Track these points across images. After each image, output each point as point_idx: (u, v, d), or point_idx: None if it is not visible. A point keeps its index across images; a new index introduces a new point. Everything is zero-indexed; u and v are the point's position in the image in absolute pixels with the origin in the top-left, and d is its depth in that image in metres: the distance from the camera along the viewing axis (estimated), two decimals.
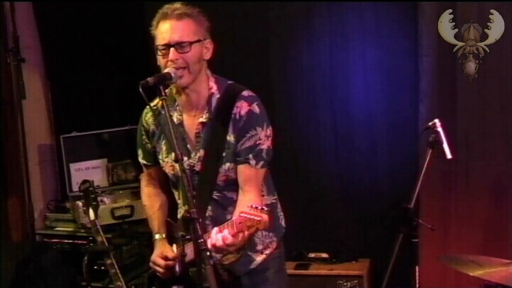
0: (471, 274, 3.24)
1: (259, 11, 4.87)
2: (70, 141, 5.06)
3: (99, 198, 4.27)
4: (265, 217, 2.62)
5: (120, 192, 5.02)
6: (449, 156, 3.26)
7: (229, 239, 2.70)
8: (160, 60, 2.92)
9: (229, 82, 3.06)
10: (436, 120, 3.29)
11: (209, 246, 2.72)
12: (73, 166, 5.05)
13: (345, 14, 4.71)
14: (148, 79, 2.77)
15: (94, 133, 5.12)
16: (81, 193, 4.09)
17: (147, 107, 2.97)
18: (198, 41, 2.91)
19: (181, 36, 2.87)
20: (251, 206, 2.66)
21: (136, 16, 5.10)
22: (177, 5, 2.94)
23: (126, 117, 5.13)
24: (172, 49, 2.87)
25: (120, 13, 5.14)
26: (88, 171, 5.06)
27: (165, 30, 2.88)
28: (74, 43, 5.14)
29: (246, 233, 2.69)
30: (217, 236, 2.74)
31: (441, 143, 3.26)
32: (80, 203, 4.45)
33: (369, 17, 4.65)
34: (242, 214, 2.66)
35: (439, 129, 3.28)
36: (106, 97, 5.26)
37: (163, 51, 2.89)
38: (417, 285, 3.22)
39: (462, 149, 4.17)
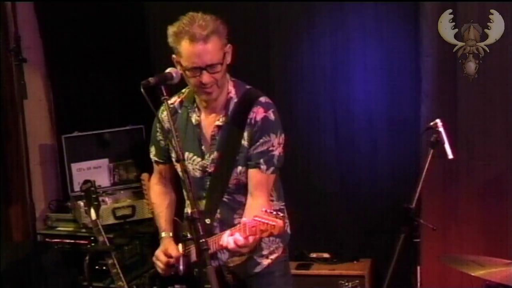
0: (472, 274, 3.25)
1: (259, 10, 4.87)
2: (72, 141, 5.06)
3: (100, 198, 4.27)
4: (280, 222, 2.65)
5: (122, 192, 5.03)
6: (450, 156, 3.26)
7: (241, 241, 2.73)
8: (190, 80, 2.94)
9: (247, 87, 3.10)
10: (438, 120, 3.29)
11: (218, 247, 2.74)
12: (75, 166, 5.05)
13: (346, 14, 4.70)
14: (150, 79, 2.78)
15: (95, 133, 5.12)
16: (82, 193, 4.09)
17: (164, 104, 2.96)
18: (224, 54, 2.94)
19: (211, 59, 2.88)
20: (265, 211, 2.68)
21: (137, 16, 5.11)
22: (200, 20, 2.88)
23: (127, 117, 5.15)
24: (205, 73, 2.89)
25: (121, 13, 5.14)
26: (90, 171, 5.07)
27: (194, 54, 2.87)
28: (75, 43, 5.14)
29: (258, 236, 2.72)
30: (228, 239, 2.76)
31: (443, 143, 3.26)
32: (81, 203, 4.45)
33: (370, 17, 4.65)
34: (256, 218, 2.69)
35: (441, 129, 3.27)
36: (108, 97, 5.27)
37: (192, 72, 2.90)
38: (419, 285, 3.23)
39: (463, 149, 4.17)
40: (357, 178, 4.82)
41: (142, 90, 2.71)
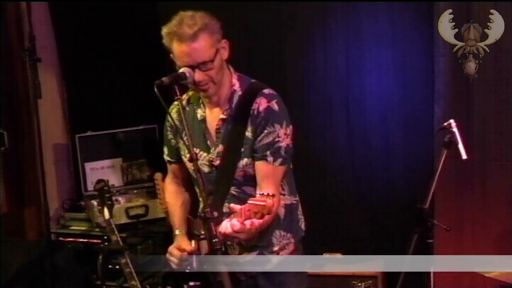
0: (486, 275, 3.23)
1: (274, 10, 4.87)
2: (85, 140, 5.08)
3: (113, 198, 4.29)
4: (269, 202, 2.62)
5: (135, 191, 5.05)
6: (464, 156, 3.24)
7: (237, 226, 2.70)
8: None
9: (252, 80, 3.10)
10: (452, 121, 3.28)
11: (219, 235, 2.73)
12: (88, 166, 5.07)
13: (360, 14, 4.69)
14: (163, 79, 2.79)
15: (109, 133, 5.14)
16: (96, 193, 4.11)
17: (174, 103, 2.98)
18: (217, 50, 2.92)
19: (202, 56, 2.87)
20: (261, 194, 2.67)
21: (151, 15, 5.11)
22: (187, 19, 2.88)
23: (140, 116, 5.16)
24: (197, 71, 2.88)
25: (135, 13, 5.16)
26: (103, 170, 5.09)
27: (183, 54, 2.87)
28: (89, 43, 5.16)
29: (257, 222, 2.69)
30: (226, 224, 2.74)
31: (456, 144, 3.25)
32: (95, 203, 4.47)
33: (384, 17, 4.64)
34: (249, 201, 2.67)
35: (455, 129, 3.26)
36: (121, 97, 5.28)
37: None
38: (432, 286, 3.22)
39: (477, 150, 4.15)
40: (370, 178, 4.81)
41: (155, 89, 2.71)
